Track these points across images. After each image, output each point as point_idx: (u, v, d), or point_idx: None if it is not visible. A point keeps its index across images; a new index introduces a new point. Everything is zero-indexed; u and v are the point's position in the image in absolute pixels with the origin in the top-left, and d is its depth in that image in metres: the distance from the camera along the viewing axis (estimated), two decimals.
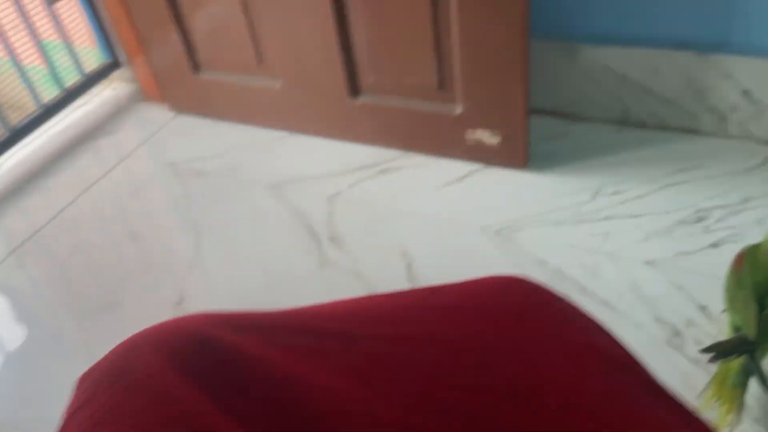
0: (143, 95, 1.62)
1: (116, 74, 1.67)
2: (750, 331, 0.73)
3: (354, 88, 1.26)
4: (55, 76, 1.51)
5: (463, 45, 1.09)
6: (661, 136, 1.22)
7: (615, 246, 1.02)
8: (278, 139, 1.40)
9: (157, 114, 1.56)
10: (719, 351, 0.74)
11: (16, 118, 1.46)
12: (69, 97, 1.55)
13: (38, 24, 1.47)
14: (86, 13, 1.53)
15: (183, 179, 1.34)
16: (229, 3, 1.26)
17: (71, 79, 1.57)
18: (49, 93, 1.53)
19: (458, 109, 1.18)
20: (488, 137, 1.18)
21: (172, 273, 1.12)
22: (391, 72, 1.20)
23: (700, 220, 1.03)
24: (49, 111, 1.50)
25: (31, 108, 1.49)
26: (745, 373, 0.74)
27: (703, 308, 0.90)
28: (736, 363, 0.74)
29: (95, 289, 1.12)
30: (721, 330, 0.86)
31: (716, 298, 0.88)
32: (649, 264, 0.98)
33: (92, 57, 1.62)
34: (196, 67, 1.42)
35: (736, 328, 0.77)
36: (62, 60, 1.54)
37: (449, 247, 1.07)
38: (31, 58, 1.51)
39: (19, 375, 1.01)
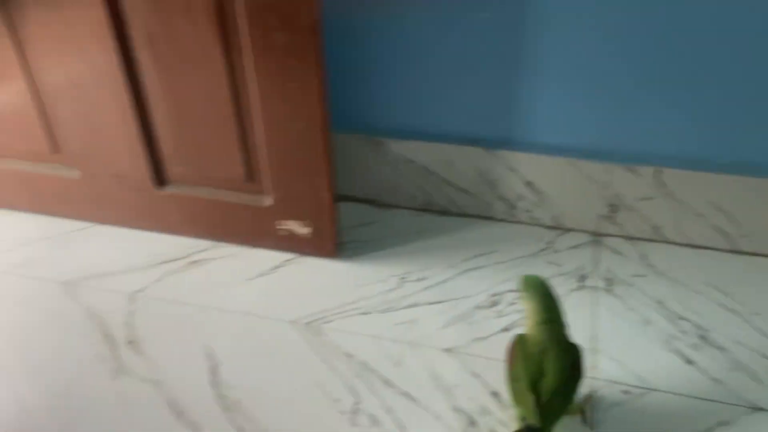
0: None
1: None
2: (533, 420, 0.78)
3: (160, 178, 1.22)
4: None
5: (267, 138, 1.10)
6: (461, 222, 1.30)
7: (418, 334, 1.05)
8: (78, 231, 1.30)
9: None
10: None
11: None
12: None
13: None
14: None
15: None
16: (16, 91, 1.17)
17: None
18: None
19: (267, 201, 1.17)
20: (298, 228, 1.19)
21: None
22: (198, 163, 1.17)
23: (494, 304, 1.10)
24: None
25: None
26: None
27: (495, 395, 0.95)
28: None
29: None
30: (512, 416, 0.91)
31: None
32: (447, 351, 1.02)
33: None
34: None
35: (522, 417, 0.82)
36: None
37: (258, 345, 1.04)
38: None
39: None
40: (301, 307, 1.11)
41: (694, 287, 1.12)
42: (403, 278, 1.17)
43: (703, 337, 1.02)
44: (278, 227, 1.20)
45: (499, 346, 1.01)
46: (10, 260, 1.23)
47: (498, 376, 0.97)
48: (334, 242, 1.20)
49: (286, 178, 1.13)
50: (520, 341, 0.84)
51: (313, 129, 1.06)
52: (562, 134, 1.18)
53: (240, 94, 1.07)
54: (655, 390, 0.94)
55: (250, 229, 1.22)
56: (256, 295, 1.14)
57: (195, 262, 1.22)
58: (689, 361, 0.99)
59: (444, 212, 1.33)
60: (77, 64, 1.11)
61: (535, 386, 0.79)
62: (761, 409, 0.91)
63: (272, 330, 1.07)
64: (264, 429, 0.91)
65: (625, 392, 0.94)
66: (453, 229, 1.29)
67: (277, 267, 1.20)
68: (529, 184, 1.23)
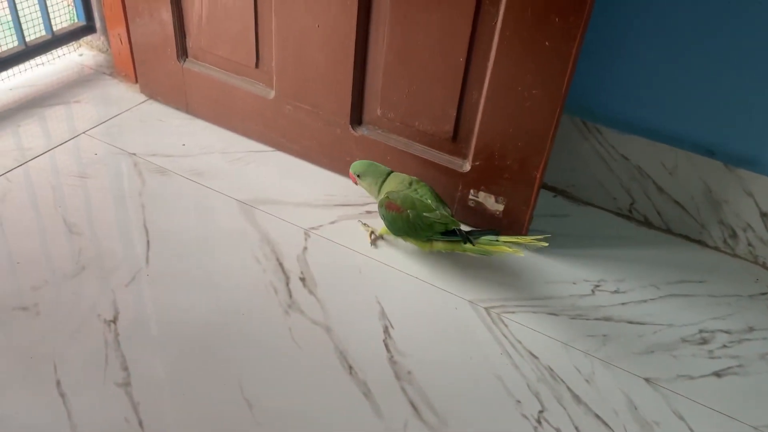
0: (114, 70, 1.44)
1: (87, 39, 1.50)
2: (454, 225, 0.99)
3: (356, 116, 1.14)
4: (17, 27, 1.32)
5: (490, 100, 0.99)
6: (664, 239, 1.15)
7: (612, 353, 0.92)
8: (258, 153, 1.26)
9: (126, 94, 1.39)
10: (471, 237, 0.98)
11: None
12: (28, 52, 1.36)
13: None
14: None
15: (141, 173, 1.17)
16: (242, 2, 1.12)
17: (36, 33, 1.38)
18: (5, 44, 1.34)
19: (466, 166, 1.07)
20: (492, 203, 1.08)
21: (108, 283, 0.95)
22: (403, 110, 1.09)
23: (704, 341, 0.95)
24: (1, 63, 1.31)
25: None
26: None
27: None
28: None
29: (11, 285, 0.94)
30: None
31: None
32: (647, 381, 0.89)
33: (66, 15, 1.44)
34: (182, 53, 1.27)
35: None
36: (30, 11, 1.35)
37: (431, 316, 0.95)
38: None
39: None
40: (482, 290, 1.01)
41: None
42: (597, 286, 1.04)
43: None
44: (470, 197, 1.10)
45: (709, 392, 0.88)
46: (190, 167, 1.20)
47: (707, 426, 0.83)
48: (526, 228, 1.08)
49: (497, 146, 1.03)
50: (395, 197, 0.99)
51: (549, 100, 0.94)
52: None
53: (478, 44, 0.96)
54: None
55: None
56: (431, 265, 1.05)
57: (371, 212, 1.14)
58: None
59: (644, 223, 1.18)
60: None
61: (439, 204, 1.00)
62: None
63: (442, 306, 0.97)
64: (438, 411, 0.82)
65: None
66: (654, 244, 1.14)
67: None
68: (764, 215, 1.06)
